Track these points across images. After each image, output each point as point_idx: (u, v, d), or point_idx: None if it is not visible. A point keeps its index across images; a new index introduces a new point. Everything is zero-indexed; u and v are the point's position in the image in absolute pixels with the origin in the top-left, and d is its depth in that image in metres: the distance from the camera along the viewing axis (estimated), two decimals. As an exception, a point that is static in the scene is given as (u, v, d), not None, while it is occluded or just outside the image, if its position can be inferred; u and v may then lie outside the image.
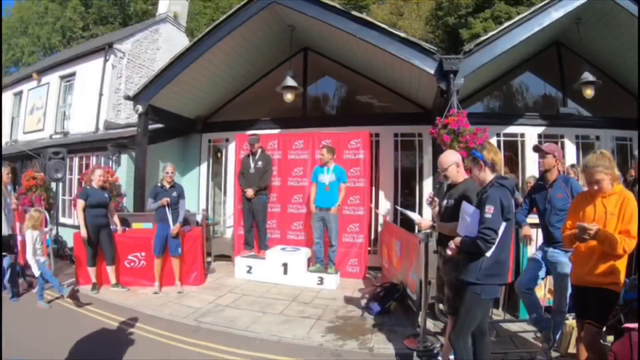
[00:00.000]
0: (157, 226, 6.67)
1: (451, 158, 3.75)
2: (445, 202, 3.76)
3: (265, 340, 4.77)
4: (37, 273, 5.82)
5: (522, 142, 8.20)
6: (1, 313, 2.22)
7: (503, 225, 3.09)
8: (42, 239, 6.13)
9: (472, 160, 3.38)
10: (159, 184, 6.77)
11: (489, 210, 3.03)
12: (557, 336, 4.21)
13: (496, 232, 3.03)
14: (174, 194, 6.66)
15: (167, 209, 6.56)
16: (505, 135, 8.25)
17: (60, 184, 9.78)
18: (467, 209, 3.22)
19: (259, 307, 5.89)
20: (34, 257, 5.85)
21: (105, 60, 12.96)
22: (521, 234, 5.03)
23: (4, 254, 5.94)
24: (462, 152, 4.97)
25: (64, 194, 10.59)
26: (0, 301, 2.10)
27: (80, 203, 6.45)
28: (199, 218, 8.13)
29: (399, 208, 4.13)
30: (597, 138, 8.12)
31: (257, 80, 9.93)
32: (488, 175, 3.28)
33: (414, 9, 27.87)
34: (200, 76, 8.48)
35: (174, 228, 6.53)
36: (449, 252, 3.35)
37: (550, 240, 4.24)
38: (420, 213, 8.15)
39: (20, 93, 16.09)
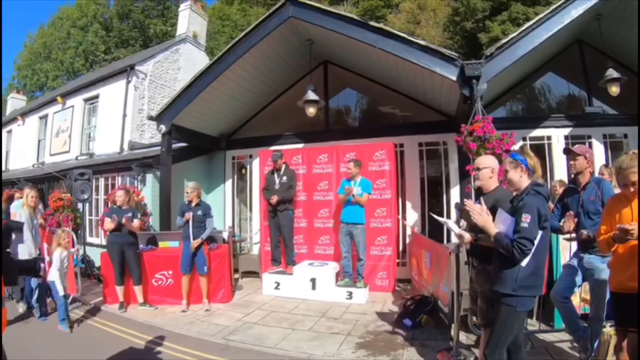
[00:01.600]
0: (184, 244, 6.69)
1: (489, 162, 3.64)
2: (476, 203, 3.64)
3: (295, 358, 4.69)
4: (61, 292, 5.81)
5: (549, 145, 8.02)
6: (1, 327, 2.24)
7: (539, 234, 2.97)
8: (68, 259, 6.17)
9: (511, 163, 3.25)
10: (185, 202, 6.80)
11: (526, 218, 2.91)
12: (595, 346, 4.04)
13: (532, 242, 2.91)
14: (199, 212, 6.66)
15: (190, 225, 6.58)
16: (531, 138, 8.07)
17: (87, 205, 9.91)
18: (502, 217, 3.11)
19: (287, 324, 5.82)
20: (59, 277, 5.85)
21: (128, 82, 13.22)
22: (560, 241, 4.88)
23: None
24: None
25: (90, 214, 10.73)
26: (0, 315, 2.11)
27: (107, 221, 6.59)
28: (225, 235, 8.13)
29: (439, 218, 3.99)
30: (625, 136, 7.85)
31: (278, 96, 9.98)
32: (525, 181, 3.17)
33: (430, 16, 27.80)
34: (221, 94, 8.55)
35: (193, 243, 6.53)
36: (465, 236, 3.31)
37: (585, 246, 4.08)
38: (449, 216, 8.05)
39: (45, 116, 16.54)
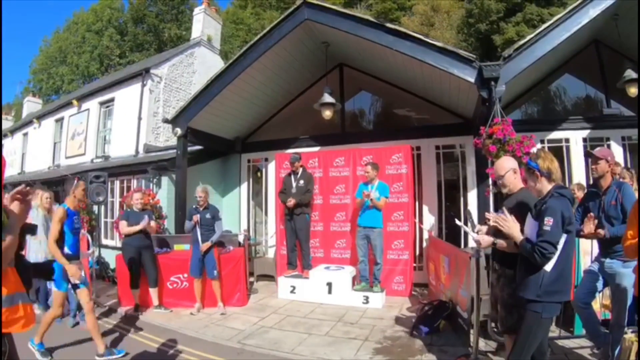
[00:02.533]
0: (192, 248, 6.69)
1: (508, 164, 3.53)
2: (499, 213, 3.57)
3: (312, 364, 4.65)
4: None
5: (567, 148, 7.91)
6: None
7: (564, 237, 2.89)
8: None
9: (527, 171, 3.19)
10: (194, 206, 6.81)
11: (548, 221, 2.84)
12: (616, 352, 3.94)
13: (555, 246, 2.83)
14: (207, 215, 6.67)
15: (197, 229, 6.58)
16: (549, 141, 7.97)
17: (102, 207, 9.96)
18: (529, 222, 3.05)
19: (303, 328, 5.77)
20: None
21: (143, 85, 13.32)
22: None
23: None
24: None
25: (105, 217, 10.79)
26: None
27: (123, 224, 6.60)
28: (240, 238, 8.12)
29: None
30: (644, 138, 7.74)
31: (294, 99, 9.98)
32: (545, 186, 3.09)
33: (444, 18, 27.71)
34: (237, 97, 8.57)
35: (202, 246, 6.52)
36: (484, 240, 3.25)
37: (606, 250, 3.99)
38: (466, 223, 7.96)
39: (61, 119, 16.73)
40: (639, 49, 6.42)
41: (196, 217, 6.59)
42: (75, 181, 6.14)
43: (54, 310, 4.88)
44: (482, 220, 6.26)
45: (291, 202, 7.44)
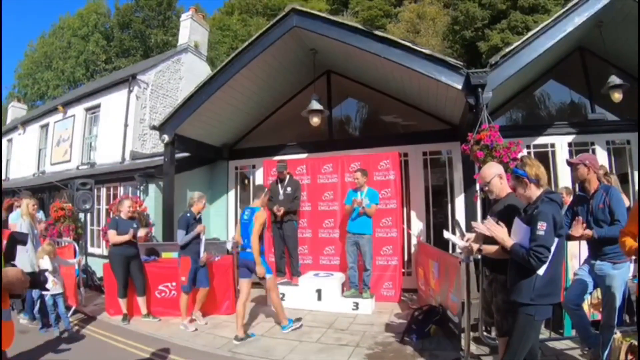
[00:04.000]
0: (192, 260, 6.27)
1: (493, 170, 3.62)
2: (487, 219, 3.62)
3: (304, 371, 4.64)
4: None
5: (553, 152, 8.04)
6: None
7: (555, 241, 2.96)
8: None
9: (516, 179, 3.25)
10: (188, 214, 6.41)
11: (542, 226, 2.90)
12: (606, 353, 4.01)
13: (549, 250, 2.90)
14: (202, 224, 6.54)
15: (202, 239, 6.42)
16: (535, 146, 8.09)
17: (89, 215, 9.86)
18: (519, 226, 3.10)
19: (294, 336, 5.74)
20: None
21: (130, 91, 13.23)
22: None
23: None
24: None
25: (92, 225, 10.67)
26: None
27: (112, 232, 6.45)
28: (229, 246, 8.07)
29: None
30: (628, 142, 7.88)
31: (281, 106, 9.98)
32: (534, 192, 3.16)
33: (430, 25, 27.97)
34: (224, 104, 8.55)
35: (203, 257, 6.38)
36: (474, 246, 3.32)
37: (596, 253, 4.06)
38: (453, 232, 8.00)
39: (46, 125, 16.56)
40: (639, 56, 6.52)
41: (202, 227, 6.40)
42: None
43: None
44: (470, 227, 6.36)
45: (280, 211, 7.42)
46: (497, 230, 3.17)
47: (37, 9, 59.59)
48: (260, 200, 5.85)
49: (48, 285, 5.67)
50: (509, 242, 3.09)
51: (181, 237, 6.20)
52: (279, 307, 5.94)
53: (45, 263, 5.77)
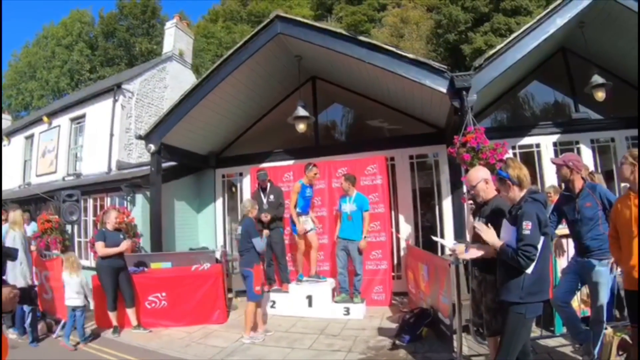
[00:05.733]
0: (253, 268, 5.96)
1: (479, 174, 3.68)
2: (477, 221, 3.66)
3: (297, 379, 4.63)
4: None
5: (538, 152, 8.11)
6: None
7: (542, 239, 3.02)
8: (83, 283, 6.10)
9: (499, 181, 3.32)
10: (249, 221, 6.13)
11: (527, 226, 2.96)
12: (598, 348, 4.05)
13: (536, 248, 2.96)
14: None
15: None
16: (521, 147, 8.17)
17: (76, 226, 9.74)
18: (507, 227, 3.15)
19: (286, 343, 5.73)
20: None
21: (115, 101, 13.13)
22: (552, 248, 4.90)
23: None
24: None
25: (79, 236, 10.53)
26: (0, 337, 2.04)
27: (100, 244, 6.36)
28: (218, 254, 8.02)
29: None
30: (612, 140, 8.00)
31: (267, 113, 9.97)
32: (517, 193, 3.22)
33: (414, 29, 28.25)
34: (210, 112, 8.51)
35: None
36: (467, 255, 3.34)
37: (583, 250, 4.13)
38: (442, 233, 8.06)
39: (31, 136, 16.33)
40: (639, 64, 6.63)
41: (267, 232, 6.74)
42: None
43: None
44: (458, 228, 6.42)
45: (267, 217, 7.40)
46: (486, 232, 3.24)
47: (20, 18, 59.08)
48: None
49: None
50: (498, 243, 3.15)
51: (259, 243, 5.98)
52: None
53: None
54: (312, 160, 8.59)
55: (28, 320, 6.15)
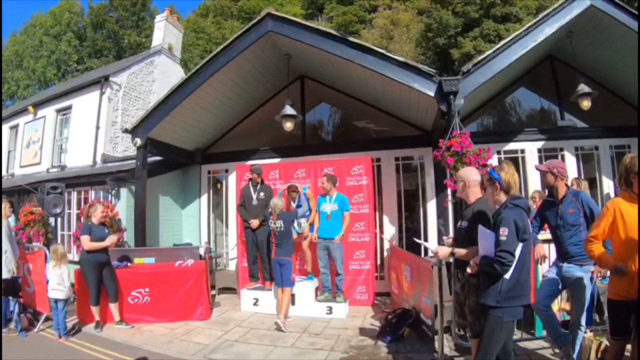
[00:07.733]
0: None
1: (462, 174, 3.79)
2: (459, 223, 3.72)
3: (279, 376, 4.64)
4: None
5: (523, 158, 8.23)
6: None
7: (520, 246, 3.06)
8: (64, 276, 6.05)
9: (488, 181, 3.36)
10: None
11: (503, 232, 3.01)
12: (577, 351, 4.13)
13: (512, 254, 3.00)
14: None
15: None
16: (506, 152, 8.28)
17: (59, 219, 9.64)
18: (482, 232, 3.19)
19: (269, 341, 5.73)
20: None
21: (102, 93, 12.94)
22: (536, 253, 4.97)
23: None
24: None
25: (62, 229, 10.42)
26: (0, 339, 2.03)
27: (86, 238, 6.23)
28: (202, 251, 7.99)
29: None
30: (596, 148, 8.15)
31: (254, 110, 9.95)
32: (502, 197, 3.27)
33: (404, 32, 28.37)
34: (198, 107, 8.47)
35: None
36: (469, 270, 3.35)
37: (564, 255, 4.19)
38: (426, 236, 8.13)
39: (16, 126, 16.03)
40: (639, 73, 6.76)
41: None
42: None
43: None
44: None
45: (255, 223, 7.41)
46: (458, 252, 3.48)
47: (8, 6, 57.99)
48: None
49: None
50: (473, 257, 3.28)
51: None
52: None
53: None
54: (299, 160, 8.70)
55: (16, 311, 6.12)
